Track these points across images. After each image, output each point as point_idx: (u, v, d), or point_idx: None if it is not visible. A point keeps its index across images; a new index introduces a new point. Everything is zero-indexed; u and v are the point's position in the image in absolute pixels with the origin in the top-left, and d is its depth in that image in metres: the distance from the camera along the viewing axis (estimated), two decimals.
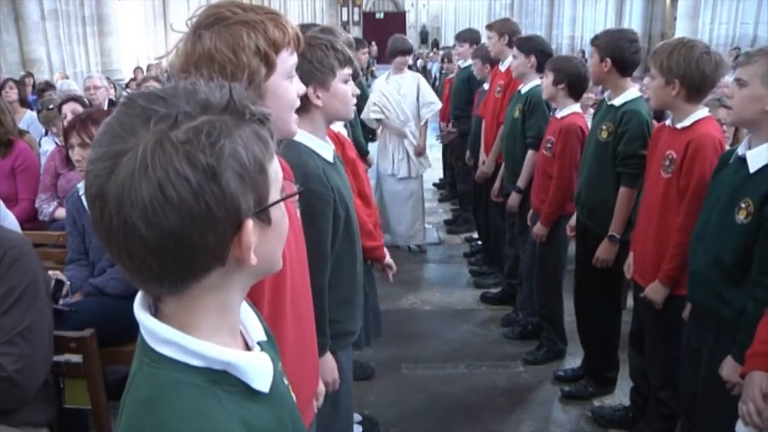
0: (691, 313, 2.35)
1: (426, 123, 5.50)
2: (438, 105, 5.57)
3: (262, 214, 0.77)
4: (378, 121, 5.34)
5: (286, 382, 0.95)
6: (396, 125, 5.30)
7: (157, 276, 0.73)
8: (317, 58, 1.80)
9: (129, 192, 0.68)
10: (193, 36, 1.21)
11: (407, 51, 5.50)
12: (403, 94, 5.32)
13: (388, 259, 2.87)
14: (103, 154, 0.70)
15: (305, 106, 1.76)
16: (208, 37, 1.20)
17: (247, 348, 0.88)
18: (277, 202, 0.79)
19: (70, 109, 3.89)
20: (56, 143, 4.22)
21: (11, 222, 2.93)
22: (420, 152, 5.43)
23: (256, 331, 0.91)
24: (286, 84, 1.30)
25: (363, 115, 5.15)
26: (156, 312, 0.81)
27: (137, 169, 0.68)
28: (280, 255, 0.85)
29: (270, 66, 1.24)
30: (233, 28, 1.21)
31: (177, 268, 0.73)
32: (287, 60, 1.28)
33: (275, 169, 0.78)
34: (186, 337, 0.76)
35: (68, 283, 2.60)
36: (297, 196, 0.87)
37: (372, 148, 5.46)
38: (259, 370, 0.81)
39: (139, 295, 0.81)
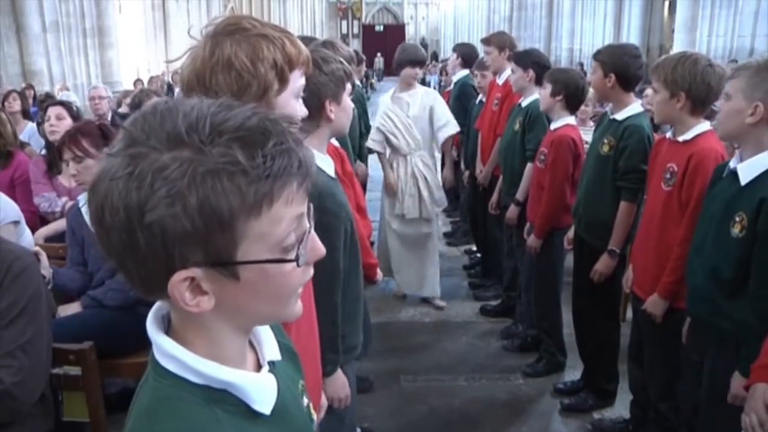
0: (690, 326, 2.35)
1: (445, 149, 4.73)
2: (455, 125, 4.57)
3: (222, 269, 0.71)
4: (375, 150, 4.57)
5: (306, 400, 0.93)
6: (403, 153, 4.44)
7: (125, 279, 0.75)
8: (332, 71, 1.80)
9: (88, 203, 0.72)
10: (212, 42, 1.22)
11: (417, 62, 4.48)
12: (413, 116, 4.41)
13: (379, 276, 2.89)
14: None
15: (316, 121, 1.78)
16: (228, 45, 1.21)
17: (259, 366, 0.86)
18: (246, 263, 0.71)
19: (54, 113, 3.88)
20: None
21: (27, 240, 2.94)
22: (448, 183, 4.72)
23: (270, 349, 0.88)
24: (294, 103, 1.31)
25: (368, 143, 4.57)
26: (168, 327, 0.81)
27: (90, 188, 0.71)
28: (280, 313, 0.81)
29: (283, 82, 1.25)
30: (253, 40, 1.22)
31: (131, 281, 0.74)
32: (298, 79, 1.29)
33: (264, 224, 0.71)
34: (186, 353, 0.76)
35: (44, 254, 2.60)
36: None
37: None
38: (261, 391, 0.80)
39: (153, 309, 0.81)
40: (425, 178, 4.44)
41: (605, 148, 3.00)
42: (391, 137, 4.40)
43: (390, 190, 4.48)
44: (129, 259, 0.70)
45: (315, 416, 0.96)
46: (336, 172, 1.94)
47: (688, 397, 2.39)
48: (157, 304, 0.82)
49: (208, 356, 0.77)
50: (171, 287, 0.70)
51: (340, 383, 1.92)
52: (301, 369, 0.97)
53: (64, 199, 3.71)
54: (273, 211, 0.70)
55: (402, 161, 4.44)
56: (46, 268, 2.53)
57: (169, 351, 0.77)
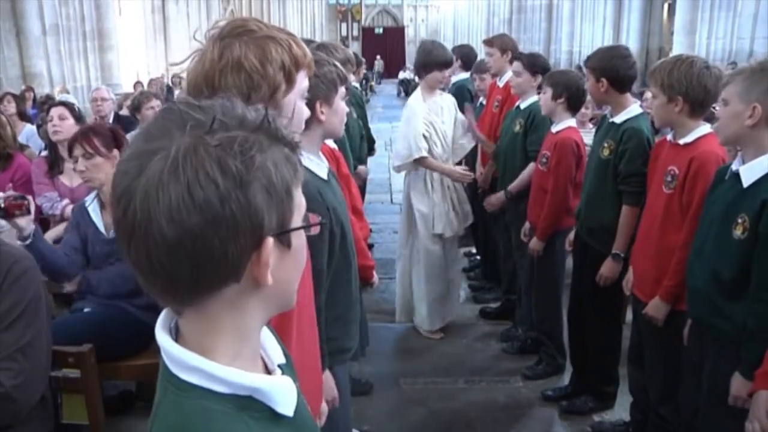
0: (690, 328, 2.35)
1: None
2: (470, 138, 4.35)
3: (283, 237, 0.76)
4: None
5: (304, 401, 0.94)
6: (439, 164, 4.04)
7: (171, 281, 0.72)
8: (323, 74, 1.83)
9: (156, 189, 0.68)
10: (220, 44, 1.23)
11: (447, 64, 4.09)
12: (446, 122, 4.12)
13: (375, 279, 2.91)
14: (134, 153, 0.72)
15: (306, 122, 1.79)
16: (237, 46, 1.22)
17: (267, 371, 0.87)
18: (300, 228, 0.79)
19: (57, 114, 3.88)
20: None
21: None
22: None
23: (275, 353, 0.89)
24: (300, 103, 1.33)
25: (413, 153, 3.95)
26: (176, 336, 0.80)
27: (168, 168, 0.68)
28: (296, 287, 0.84)
29: (290, 83, 1.28)
30: (261, 41, 1.24)
31: (192, 274, 0.71)
32: (303, 80, 1.32)
33: (300, 196, 0.79)
34: (210, 363, 0.75)
35: (32, 202, 2.59)
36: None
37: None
38: (283, 394, 0.81)
39: (160, 319, 0.81)
40: (456, 191, 4.18)
41: (605, 152, 3.00)
42: (432, 145, 4.02)
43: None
44: (215, 238, 0.69)
45: (313, 417, 0.96)
46: (330, 173, 1.94)
47: (689, 399, 2.39)
48: (162, 316, 0.81)
49: (229, 362, 0.76)
50: (265, 253, 0.73)
51: (327, 385, 1.92)
52: (294, 371, 0.98)
53: (65, 201, 3.72)
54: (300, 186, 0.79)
55: (436, 174, 4.08)
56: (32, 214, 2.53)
57: (192, 364, 0.75)
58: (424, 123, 3.98)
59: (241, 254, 0.72)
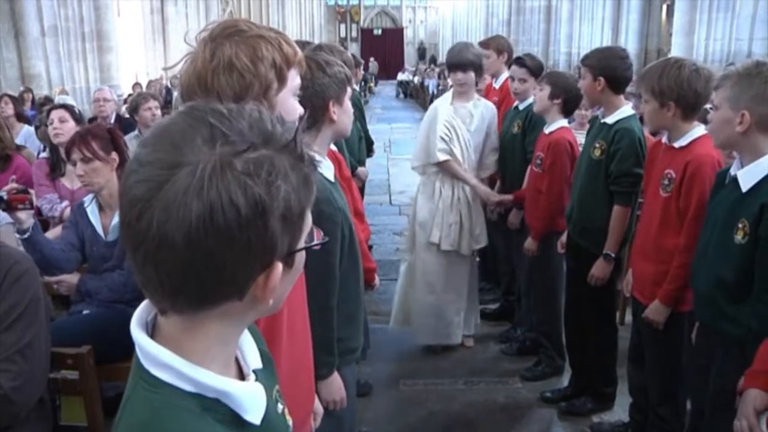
0: (698, 330, 2.35)
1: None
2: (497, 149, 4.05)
3: (289, 257, 0.77)
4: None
5: (281, 406, 0.94)
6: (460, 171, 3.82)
7: (174, 292, 0.72)
8: (334, 74, 1.84)
9: (178, 206, 0.67)
10: (212, 45, 1.24)
11: (459, 65, 3.77)
12: (473, 131, 3.85)
13: (377, 281, 2.92)
14: (156, 160, 0.69)
15: (317, 123, 1.80)
16: (228, 46, 1.23)
17: (241, 375, 0.87)
18: (305, 248, 0.79)
19: (57, 116, 3.88)
20: None
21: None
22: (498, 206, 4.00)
23: (252, 357, 0.89)
24: (292, 101, 1.33)
25: (430, 157, 3.82)
26: (153, 332, 0.80)
27: (193, 187, 0.67)
28: (285, 298, 0.85)
29: (282, 81, 1.28)
30: (252, 41, 1.24)
31: (198, 290, 0.72)
32: (295, 78, 1.32)
33: (309, 216, 0.78)
34: (183, 362, 0.75)
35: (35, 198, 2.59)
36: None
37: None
38: (252, 401, 0.80)
39: (136, 314, 0.81)
40: (469, 207, 3.89)
41: (597, 153, 3.01)
42: (452, 148, 3.81)
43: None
44: (229, 260, 0.69)
45: (290, 422, 0.96)
46: (335, 176, 1.95)
47: (696, 400, 2.39)
48: (139, 311, 0.81)
49: (202, 363, 0.76)
50: (274, 277, 0.74)
51: (336, 386, 1.93)
52: (275, 375, 0.97)
53: (65, 203, 3.72)
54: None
55: (448, 182, 3.87)
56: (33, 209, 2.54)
57: (165, 361, 0.76)
58: (444, 125, 3.78)
59: (250, 277, 0.73)
